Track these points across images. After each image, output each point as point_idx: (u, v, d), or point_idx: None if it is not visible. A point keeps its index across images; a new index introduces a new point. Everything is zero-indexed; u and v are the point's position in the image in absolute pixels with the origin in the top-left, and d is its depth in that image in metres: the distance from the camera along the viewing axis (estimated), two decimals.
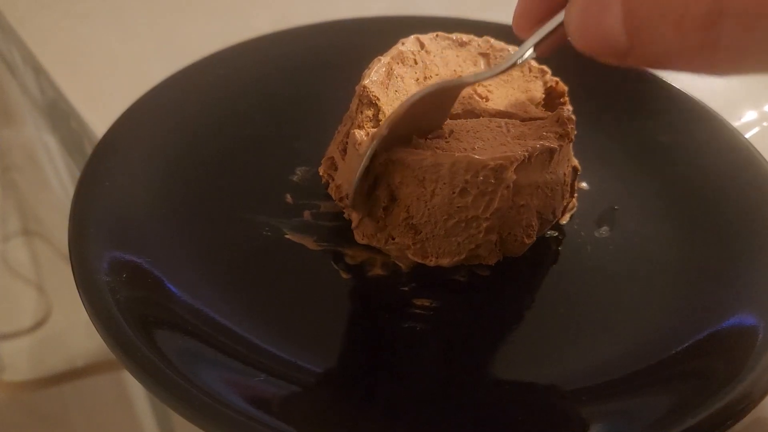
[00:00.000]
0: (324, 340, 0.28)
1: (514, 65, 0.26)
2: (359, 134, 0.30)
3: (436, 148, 0.29)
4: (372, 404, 0.26)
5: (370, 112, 0.31)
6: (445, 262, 0.31)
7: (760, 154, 0.35)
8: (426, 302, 0.30)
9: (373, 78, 0.32)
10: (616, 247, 0.33)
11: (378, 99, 0.31)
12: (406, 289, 0.31)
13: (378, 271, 0.32)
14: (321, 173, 0.34)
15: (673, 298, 0.30)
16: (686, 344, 0.28)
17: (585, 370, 0.28)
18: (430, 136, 0.30)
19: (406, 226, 0.31)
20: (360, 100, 0.32)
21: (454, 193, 0.29)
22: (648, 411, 0.25)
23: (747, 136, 0.37)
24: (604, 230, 0.34)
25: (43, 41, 0.50)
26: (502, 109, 0.33)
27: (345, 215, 0.33)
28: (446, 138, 0.30)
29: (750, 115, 0.45)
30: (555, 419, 0.26)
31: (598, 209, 0.35)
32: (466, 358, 0.28)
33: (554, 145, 0.30)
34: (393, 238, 0.31)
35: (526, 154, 0.29)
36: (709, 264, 0.31)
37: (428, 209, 0.30)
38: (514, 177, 0.29)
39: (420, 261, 0.31)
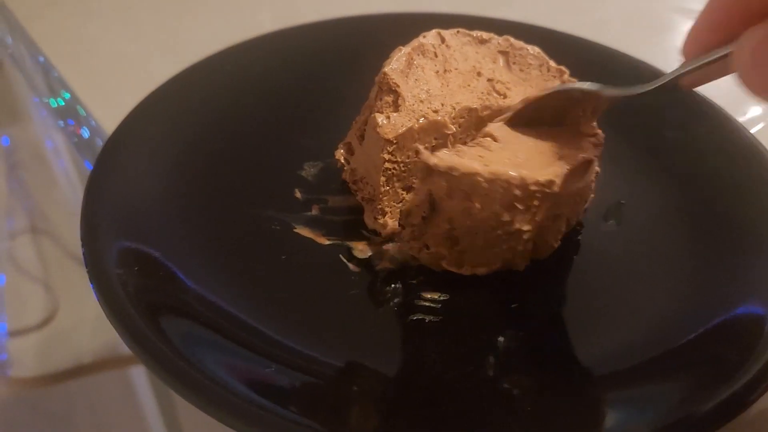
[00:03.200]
0: (333, 333, 0.29)
1: (661, 87, 0.28)
2: (380, 118, 0.31)
3: (480, 156, 0.29)
4: (381, 396, 0.27)
5: (389, 98, 0.32)
6: (480, 271, 0.31)
7: (766, 149, 0.35)
8: (435, 295, 0.31)
9: (394, 66, 0.32)
10: (623, 240, 0.33)
11: (398, 86, 0.32)
12: (414, 282, 0.31)
13: (386, 264, 0.32)
14: (337, 157, 0.35)
15: (681, 290, 0.30)
16: (695, 335, 0.28)
17: (595, 361, 0.28)
18: (470, 143, 0.30)
19: (445, 237, 0.30)
20: (380, 87, 0.32)
21: (501, 207, 0.28)
22: (658, 400, 0.26)
23: (752, 131, 0.37)
24: (611, 224, 0.34)
25: (51, 39, 0.50)
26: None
27: (358, 198, 0.34)
28: (487, 146, 0.30)
29: (755, 111, 0.45)
30: (564, 409, 0.26)
31: (605, 204, 0.35)
32: (475, 349, 0.29)
33: (592, 156, 0.30)
34: (427, 247, 0.31)
35: (569, 168, 0.29)
36: (716, 256, 0.31)
37: (472, 222, 0.29)
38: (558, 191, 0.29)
39: (454, 270, 0.31)
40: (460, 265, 0.30)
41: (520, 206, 0.28)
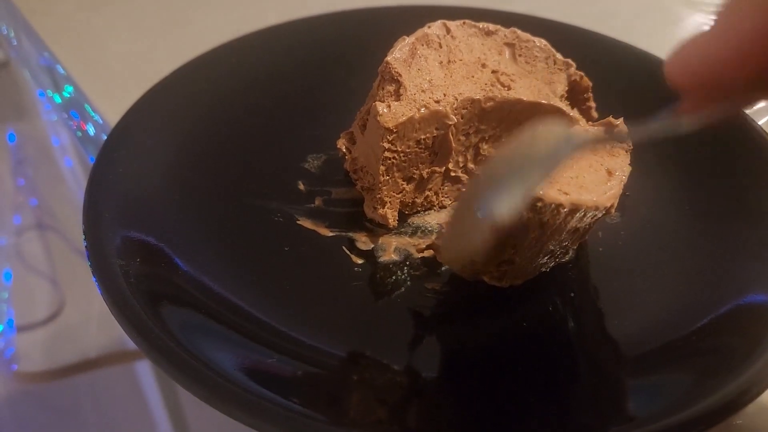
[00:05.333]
0: (336, 324, 0.29)
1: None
2: (381, 107, 0.31)
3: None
4: (384, 387, 0.27)
5: (391, 88, 0.31)
6: (517, 283, 0.30)
7: None
8: (437, 286, 0.30)
9: (396, 55, 0.32)
10: (627, 232, 0.33)
11: (400, 75, 0.31)
12: (417, 273, 0.31)
13: (390, 255, 0.32)
14: (339, 146, 0.35)
15: (687, 281, 0.30)
16: (700, 325, 0.27)
17: (600, 351, 0.28)
18: None
19: (503, 260, 0.29)
20: (382, 76, 0.32)
21: (567, 234, 0.28)
22: (664, 390, 0.25)
23: (759, 123, 0.37)
24: (616, 215, 0.34)
25: (57, 35, 0.50)
26: (524, 99, 0.33)
27: (357, 187, 0.34)
28: None
29: (761, 102, 0.44)
30: (568, 399, 0.26)
31: None
32: (479, 340, 0.28)
33: (627, 166, 0.30)
34: (473, 264, 0.29)
35: (620, 187, 0.28)
36: (721, 246, 0.31)
37: (536, 248, 0.28)
38: None
39: (495, 284, 0.30)
40: (501, 280, 0.30)
41: (581, 228, 0.28)
